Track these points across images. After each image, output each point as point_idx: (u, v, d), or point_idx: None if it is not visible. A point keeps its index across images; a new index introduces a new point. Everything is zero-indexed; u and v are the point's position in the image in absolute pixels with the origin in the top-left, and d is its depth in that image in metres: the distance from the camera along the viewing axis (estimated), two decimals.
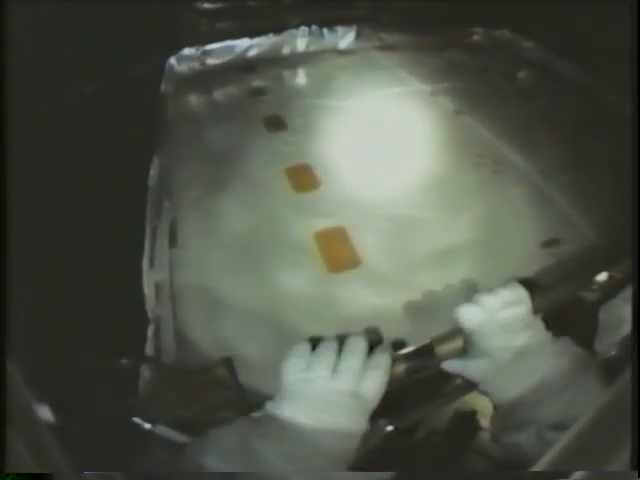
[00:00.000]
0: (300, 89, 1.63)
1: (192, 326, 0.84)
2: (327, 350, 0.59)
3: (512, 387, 0.63)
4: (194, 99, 1.62)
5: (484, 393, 0.69)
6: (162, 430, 0.62)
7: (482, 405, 0.78)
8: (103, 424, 0.60)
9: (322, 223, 1.02)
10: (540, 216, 1.03)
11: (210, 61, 1.81)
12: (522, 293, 0.66)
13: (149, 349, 0.75)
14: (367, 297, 0.88)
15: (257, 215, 1.07)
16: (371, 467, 0.60)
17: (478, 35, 1.83)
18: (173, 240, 1.02)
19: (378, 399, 0.59)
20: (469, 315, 0.64)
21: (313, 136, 1.31)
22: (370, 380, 0.59)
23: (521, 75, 1.63)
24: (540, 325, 0.66)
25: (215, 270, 0.95)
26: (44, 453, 0.39)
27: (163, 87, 1.61)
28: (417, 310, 0.86)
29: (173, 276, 0.94)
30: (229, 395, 0.66)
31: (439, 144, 1.25)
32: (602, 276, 0.84)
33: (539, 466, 0.39)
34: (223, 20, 1.99)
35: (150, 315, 0.81)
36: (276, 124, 1.39)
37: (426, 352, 0.68)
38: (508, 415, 0.64)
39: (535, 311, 0.66)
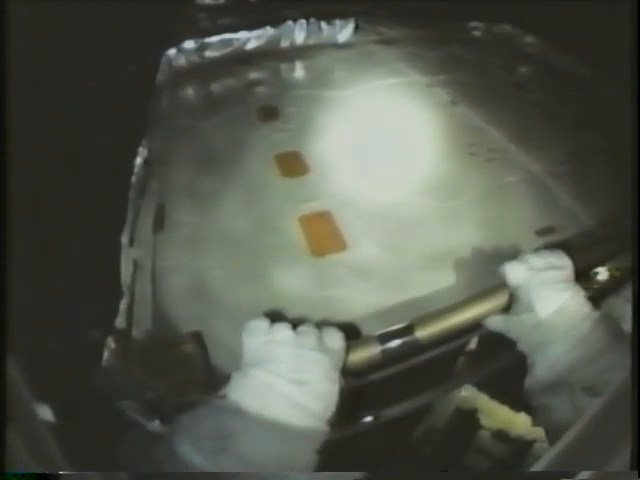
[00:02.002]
0: (296, 81, 1.61)
1: (173, 306, 0.83)
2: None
3: (550, 345, 0.64)
4: (190, 90, 1.62)
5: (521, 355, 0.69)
6: (127, 406, 0.60)
7: (483, 403, 0.79)
8: (102, 422, 0.59)
9: (308, 207, 1.00)
10: (535, 204, 1.01)
11: (208, 54, 1.80)
12: (565, 260, 0.69)
13: (120, 322, 0.74)
14: (351, 281, 0.86)
15: (244, 199, 1.06)
16: (370, 464, 0.58)
17: (478, 30, 1.81)
18: (160, 224, 1.01)
19: (344, 353, 0.60)
20: (514, 271, 0.68)
21: (305, 124, 1.30)
22: (331, 334, 0.59)
23: (521, 70, 1.61)
24: (581, 292, 0.67)
25: (201, 253, 0.94)
26: (44, 453, 0.39)
27: (159, 78, 1.61)
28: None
29: (156, 257, 0.93)
30: (197, 371, 0.64)
31: (431, 133, 1.23)
32: (602, 274, 0.82)
33: (539, 466, 0.39)
34: (223, 15, 2.00)
35: (124, 289, 0.80)
36: (269, 113, 1.37)
37: (405, 334, 0.65)
38: (543, 375, 0.64)
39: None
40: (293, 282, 0.87)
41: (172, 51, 1.77)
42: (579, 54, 1.48)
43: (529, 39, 1.72)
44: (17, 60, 0.65)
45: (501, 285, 0.70)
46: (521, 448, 0.79)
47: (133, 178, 1.10)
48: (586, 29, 1.37)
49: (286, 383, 0.53)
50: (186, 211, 1.05)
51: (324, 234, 0.94)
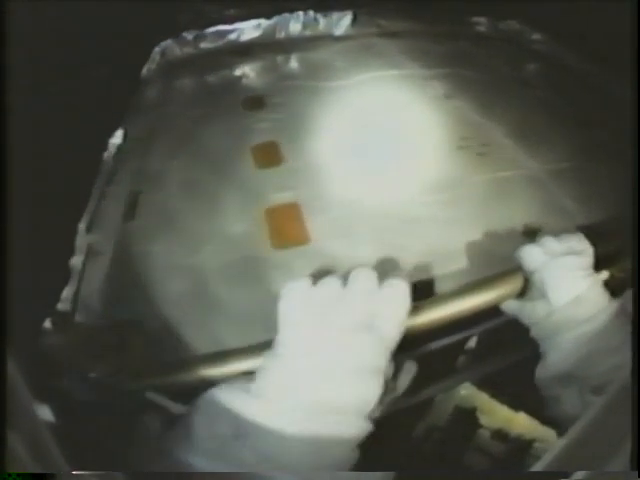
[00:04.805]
0: (288, 72, 1.55)
1: (131, 293, 0.79)
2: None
3: (564, 334, 0.61)
4: (179, 81, 1.58)
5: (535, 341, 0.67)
6: (71, 387, 0.56)
7: (482, 402, 0.77)
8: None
9: (277, 199, 0.95)
10: (527, 200, 0.94)
11: (203, 45, 1.76)
12: (587, 246, 0.66)
13: (63, 306, 0.72)
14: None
15: (215, 189, 1.01)
16: (367, 462, 0.53)
17: (483, 25, 1.72)
18: (131, 212, 0.98)
19: (399, 332, 0.51)
20: (531, 255, 0.65)
21: (289, 115, 1.24)
22: (388, 304, 0.51)
23: (527, 67, 1.53)
24: (600, 282, 0.63)
25: (169, 241, 0.90)
26: (44, 453, 0.37)
27: (148, 67, 1.58)
28: None
29: (122, 244, 0.89)
30: (133, 359, 0.61)
31: (420, 126, 1.17)
32: (603, 275, 0.77)
33: (539, 466, 0.37)
34: (228, 7, 1.96)
35: (72, 274, 0.78)
36: (254, 103, 1.32)
37: None
38: (555, 366, 0.62)
39: None
40: (249, 271, 0.82)
41: (167, 42, 1.73)
42: (586, 52, 1.40)
43: (536, 36, 1.63)
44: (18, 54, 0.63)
45: (460, 290, 0.66)
46: (520, 447, 0.76)
47: (102, 165, 1.06)
48: (595, 27, 1.30)
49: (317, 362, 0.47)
50: (158, 200, 1.01)
51: (288, 227, 0.88)
